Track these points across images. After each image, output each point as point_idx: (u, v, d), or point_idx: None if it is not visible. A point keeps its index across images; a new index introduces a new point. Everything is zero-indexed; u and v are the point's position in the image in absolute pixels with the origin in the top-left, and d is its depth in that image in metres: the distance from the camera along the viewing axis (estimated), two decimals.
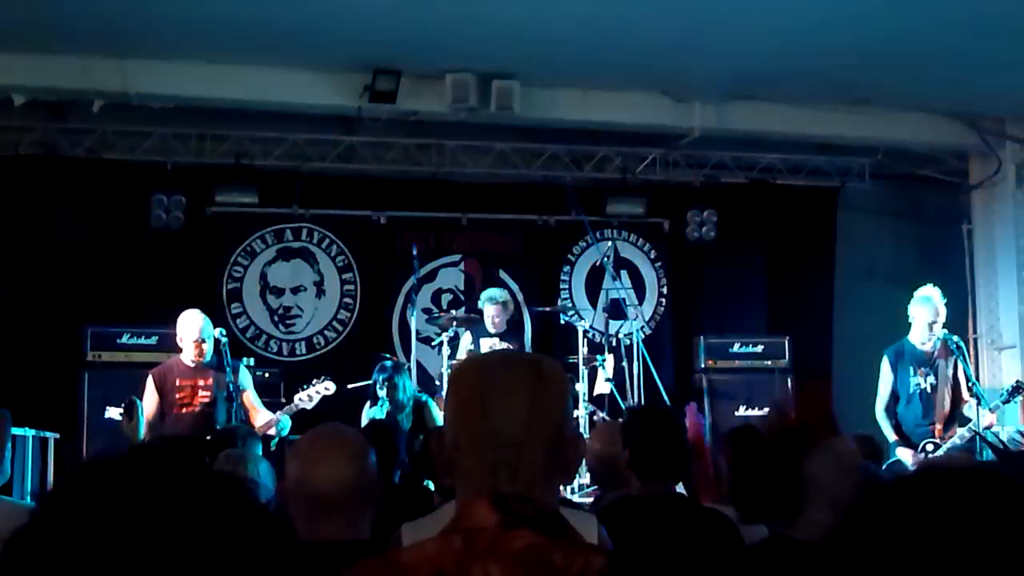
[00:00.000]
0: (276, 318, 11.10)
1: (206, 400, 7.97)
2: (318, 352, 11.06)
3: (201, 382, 8.02)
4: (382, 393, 8.33)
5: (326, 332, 11.18)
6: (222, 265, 11.01)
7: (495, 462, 1.91)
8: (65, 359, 9.74)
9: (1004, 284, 11.41)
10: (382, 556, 1.89)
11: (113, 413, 7.91)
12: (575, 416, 8.99)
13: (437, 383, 9.76)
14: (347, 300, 11.27)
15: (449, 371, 9.05)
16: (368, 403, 8.73)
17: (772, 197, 11.96)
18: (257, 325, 11.01)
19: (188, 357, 8.03)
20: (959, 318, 11.10)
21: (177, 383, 7.96)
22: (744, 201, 11.90)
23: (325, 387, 8.52)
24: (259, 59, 9.64)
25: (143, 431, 7.35)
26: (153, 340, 9.61)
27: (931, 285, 8.75)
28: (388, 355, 9.63)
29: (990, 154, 11.39)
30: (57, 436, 8.95)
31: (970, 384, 8.46)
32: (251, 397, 8.20)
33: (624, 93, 10.49)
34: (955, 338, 8.53)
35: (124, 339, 9.72)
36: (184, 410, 7.92)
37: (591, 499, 4.98)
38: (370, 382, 8.60)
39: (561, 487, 3.11)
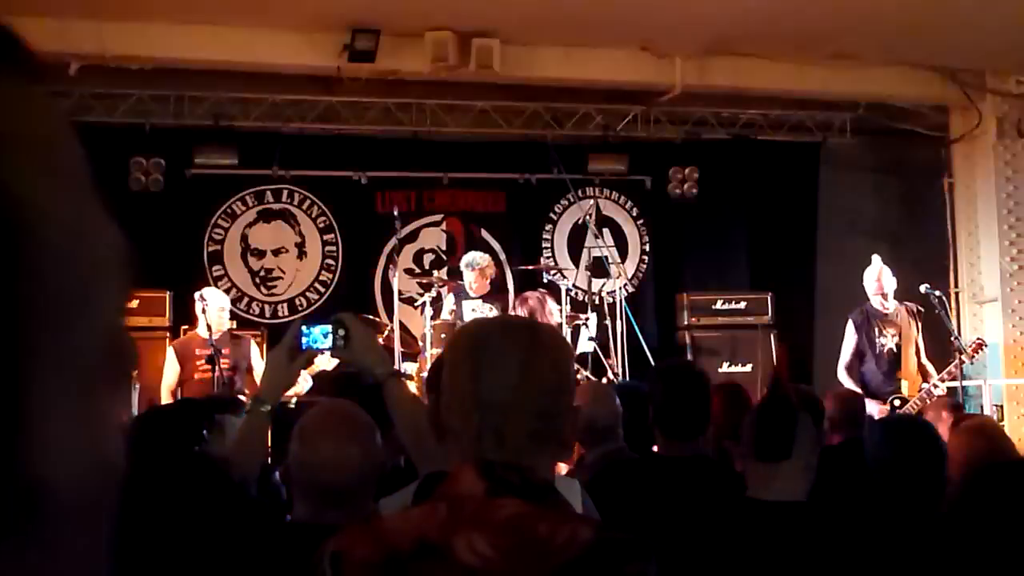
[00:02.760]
0: (258, 280, 11.05)
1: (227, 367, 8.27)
2: (300, 313, 10.98)
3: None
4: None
5: (308, 294, 11.14)
6: (202, 227, 10.94)
7: (481, 426, 1.88)
8: None
9: (985, 237, 11.41)
10: (367, 524, 1.87)
11: None
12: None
13: (420, 344, 9.74)
14: (329, 261, 11.22)
15: (431, 331, 9.03)
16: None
17: (754, 153, 11.93)
18: (239, 287, 10.96)
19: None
20: (941, 272, 11.14)
21: (197, 352, 8.11)
22: (726, 158, 11.87)
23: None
24: (237, 19, 9.52)
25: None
26: (133, 303, 9.55)
27: (876, 255, 8.93)
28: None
29: (970, 107, 11.38)
30: None
31: (952, 338, 8.57)
32: None
33: (605, 50, 10.43)
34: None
35: None
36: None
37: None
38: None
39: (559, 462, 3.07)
